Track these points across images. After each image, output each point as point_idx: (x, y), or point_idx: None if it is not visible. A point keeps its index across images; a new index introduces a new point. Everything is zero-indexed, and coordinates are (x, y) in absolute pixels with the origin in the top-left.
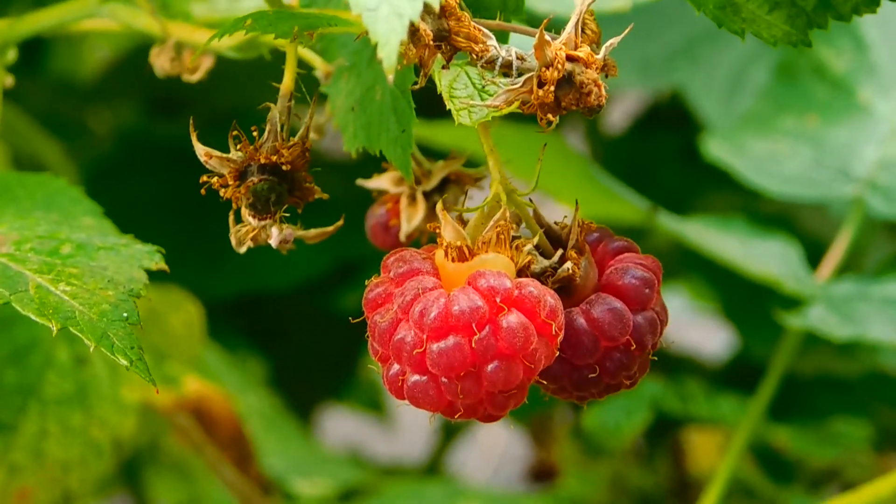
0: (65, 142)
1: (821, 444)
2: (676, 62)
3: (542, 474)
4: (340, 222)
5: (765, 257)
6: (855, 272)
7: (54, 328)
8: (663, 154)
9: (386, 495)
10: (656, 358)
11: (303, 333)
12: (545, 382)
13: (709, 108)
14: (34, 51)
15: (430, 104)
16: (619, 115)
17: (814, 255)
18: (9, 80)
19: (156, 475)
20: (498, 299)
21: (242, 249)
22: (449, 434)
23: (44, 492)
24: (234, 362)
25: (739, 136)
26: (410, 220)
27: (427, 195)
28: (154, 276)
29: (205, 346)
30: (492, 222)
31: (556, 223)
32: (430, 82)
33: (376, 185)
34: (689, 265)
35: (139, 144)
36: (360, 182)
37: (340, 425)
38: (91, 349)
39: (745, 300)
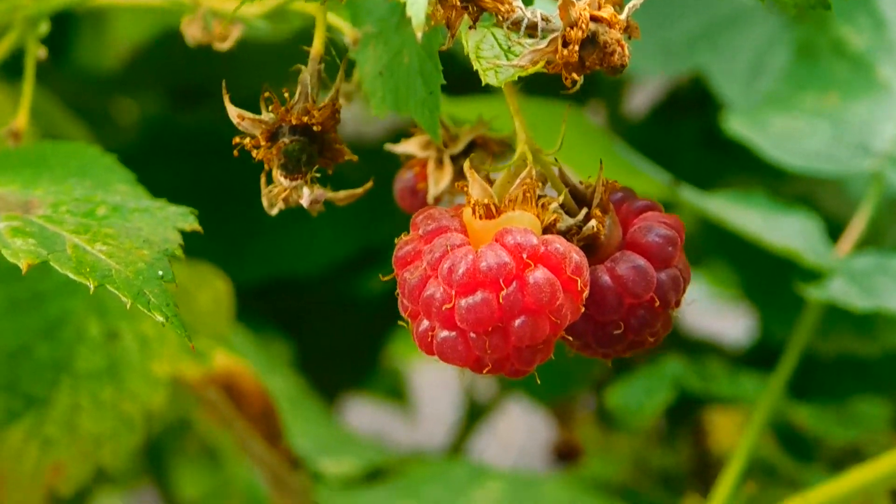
0: (90, 131)
1: (841, 424)
2: (697, 47)
3: (565, 455)
4: (370, 184)
5: (785, 231)
6: (875, 247)
7: (92, 286)
8: (684, 138)
9: (411, 476)
10: (677, 340)
11: (327, 320)
12: (571, 339)
13: (730, 92)
14: (59, 40)
15: (456, 82)
16: (640, 101)
17: (835, 235)
18: (41, 53)
19: (181, 466)
20: (524, 255)
21: (274, 211)
22: (471, 421)
23: (76, 465)
24: (260, 344)
25: (760, 114)
26: (437, 183)
27: (454, 159)
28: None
29: (231, 326)
30: (518, 180)
31: (580, 183)
32: (455, 58)
33: (404, 149)
34: (710, 249)
35: (163, 132)
36: (389, 147)
37: (362, 415)
38: (127, 305)
39: (767, 281)
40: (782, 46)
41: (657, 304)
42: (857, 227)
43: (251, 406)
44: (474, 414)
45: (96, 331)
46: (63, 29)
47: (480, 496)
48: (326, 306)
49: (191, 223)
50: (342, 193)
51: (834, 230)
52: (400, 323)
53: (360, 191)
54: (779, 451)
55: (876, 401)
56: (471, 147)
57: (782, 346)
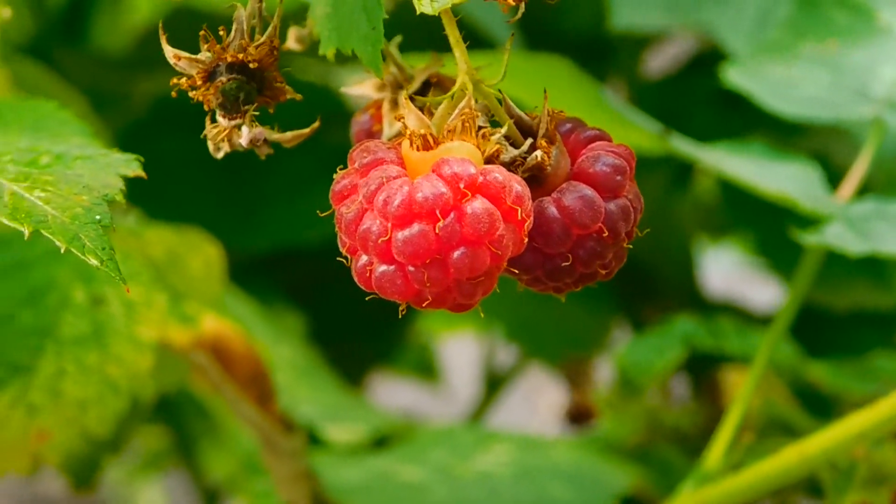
0: (105, 111)
1: (858, 379)
2: (704, 1)
3: (578, 418)
4: (316, 124)
5: (781, 178)
6: (876, 193)
7: (26, 231)
8: (701, 98)
9: (418, 441)
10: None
11: (344, 293)
12: (517, 272)
13: (736, 46)
14: (76, 20)
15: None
16: (659, 62)
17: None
18: (6, 12)
19: (210, 448)
20: (462, 185)
21: (219, 154)
22: (490, 391)
23: (62, 431)
24: (268, 315)
25: (758, 63)
26: (392, 124)
27: (410, 100)
28: (174, 218)
29: (235, 297)
30: (457, 110)
31: (526, 114)
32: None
33: (358, 91)
34: (734, 219)
35: (174, 106)
36: (344, 89)
37: (393, 392)
38: (62, 250)
39: (784, 241)
40: (788, 1)
41: (606, 234)
42: (857, 173)
43: (241, 369)
44: (493, 384)
45: (81, 297)
46: (79, 9)
47: (487, 459)
48: (342, 279)
49: (134, 169)
50: (289, 134)
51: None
52: None
53: (306, 131)
54: (795, 409)
55: (893, 355)
56: (426, 87)
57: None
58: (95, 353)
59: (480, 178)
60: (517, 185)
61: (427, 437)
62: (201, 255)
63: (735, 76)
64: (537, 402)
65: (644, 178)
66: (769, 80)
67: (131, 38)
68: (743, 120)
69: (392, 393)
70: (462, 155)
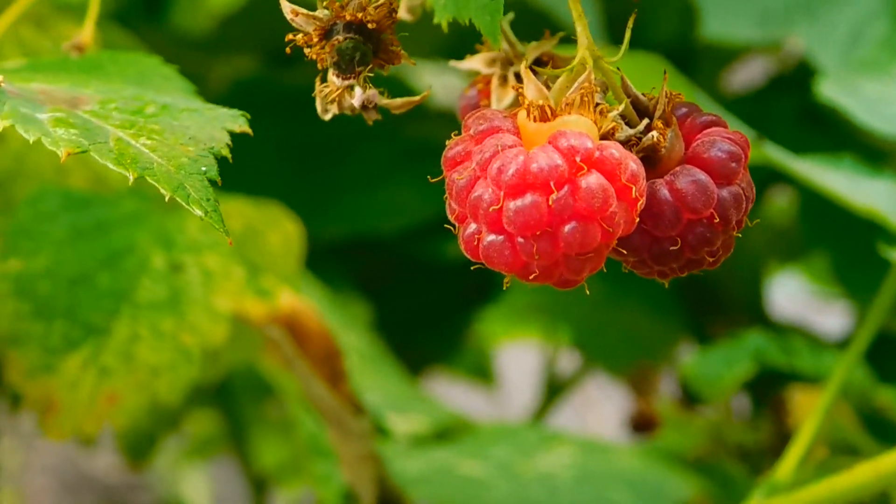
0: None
1: None
2: (795, 16)
3: (641, 426)
4: (427, 92)
5: (872, 193)
6: None
7: (131, 176)
8: (782, 116)
9: (481, 437)
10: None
11: (411, 287)
12: (625, 252)
13: (826, 61)
14: (156, 2)
15: None
16: (740, 79)
17: None
18: None
19: (261, 436)
20: (578, 159)
21: (328, 116)
22: (551, 397)
23: (132, 395)
24: (337, 302)
25: (853, 79)
26: (501, 100)
27: (518, 77)
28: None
29: (306, 280)
30: (576, 84)
31: (644, 94)
32: None
33: (468, 65)
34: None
35: (251, 90)
36: (454, 63)
37: (446, 394)
38: (166, 198)
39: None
40: (882, 17)
41: (717, 221)
42: None
43: (314, 346)
44: (554, 389)
45: (160, 262)
46: None
47: (549, 460)
48: (410, 272)
49: (241, 125)
50: (399, 101)
51: None
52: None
53: (417, 98)
54: (861, 433)
55: None
56: (537, 65)
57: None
58: (171, 320)
59: (597, 154)
60: (633, 163)
61: (490, 434)
62: (280, 230)
63: (829, 90)
64: (588, 413)
65: None
66: (863, 96)
67: (211, 21)
68: (826, 139)
69: (445, 393)
70: (579, 129)
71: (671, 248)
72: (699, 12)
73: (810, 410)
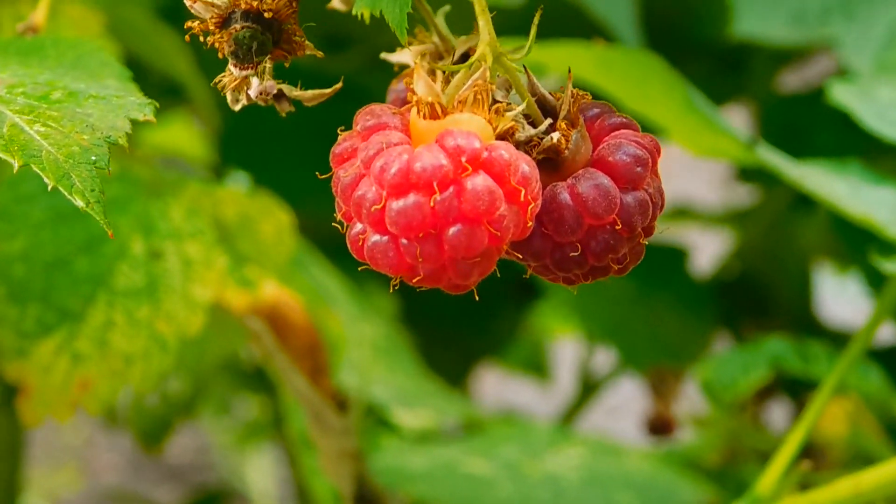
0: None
1: None
2: (832, 16)
3: (659, 428)
4: (339, 85)
5: (872, 201)
6: None
7: (16, 164)
8: (824, 119)
9: (491, 434)
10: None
11: None
12: (521, 256)
13: (858, 64)
14: None
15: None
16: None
17: None
18: None
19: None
20: (464, 159)
21: (237, 107)
22: (584, 395)
23: (105, 382)
24: (355, 292)
25: (869, 83)
26: None
27: (420, 65)
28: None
29: (323, 269)
30: (469, 81)
31: (552, 94)
32: None
33: (398, 58)
34: (844, 242)
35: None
36: (383, 56)
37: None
38: (49, 187)
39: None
40: None
41: (620, 227)
42: None
43: (297, 339)
44: (588, 388)
45: (139, 249)
46: None
47: (556, 461)
48: None
49: (146, 114)
50: (309, 93)
51: None
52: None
53: (328, 91)
54: (883, 442)
55: None
56: (465, 59)
57: None
58: (147, 308)
59: (485, 154)
60: (524, 164)
61: (500, 432)
62: (273, 220)
63: (841, 93)
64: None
65: (769, 192)
66: (876, 101)
67: None
68: (866, 143)
69: (501, 388)
70: (469, 128)
71: (573, 253)
72: (732, 10)
73: (835, 422)
